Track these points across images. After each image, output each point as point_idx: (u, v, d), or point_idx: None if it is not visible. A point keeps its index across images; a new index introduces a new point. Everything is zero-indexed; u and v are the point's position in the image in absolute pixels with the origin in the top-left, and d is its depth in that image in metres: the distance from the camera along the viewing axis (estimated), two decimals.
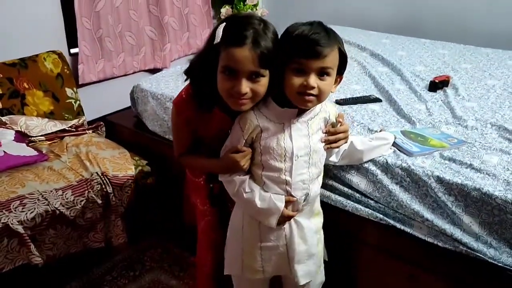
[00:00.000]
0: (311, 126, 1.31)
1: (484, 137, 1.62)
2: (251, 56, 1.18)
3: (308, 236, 1.37)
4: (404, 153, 1.53)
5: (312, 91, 1.20)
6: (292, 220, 1.34)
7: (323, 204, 1.56)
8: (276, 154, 1.28)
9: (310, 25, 1.22)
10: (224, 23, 1.25)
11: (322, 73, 1.20)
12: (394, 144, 1.57)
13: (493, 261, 1.31)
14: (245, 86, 1.21)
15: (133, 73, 2.94)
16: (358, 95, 2.03)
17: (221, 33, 1.22)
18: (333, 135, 1.38)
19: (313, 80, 1.19)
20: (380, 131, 1.64)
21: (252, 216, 1.35)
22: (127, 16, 2.78)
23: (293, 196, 1.31)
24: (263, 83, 1.23)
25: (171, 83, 2.21)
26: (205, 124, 1.41)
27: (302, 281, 1.39)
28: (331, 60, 1.21)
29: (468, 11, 2.90)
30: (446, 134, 1.66)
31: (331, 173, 1.59)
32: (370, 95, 2.03)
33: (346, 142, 1.44)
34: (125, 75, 2.89)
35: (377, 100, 1.99)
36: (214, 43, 1.23)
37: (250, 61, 1.18)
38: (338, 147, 1.41)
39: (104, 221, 1.97)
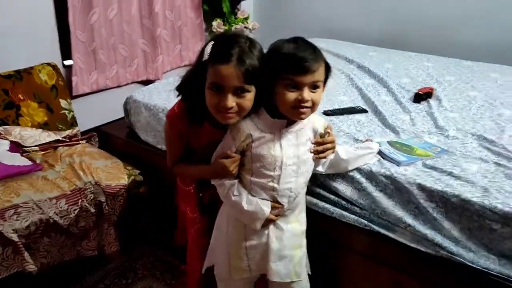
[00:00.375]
0: (299, 137, 1.38)
1: (465, 147, 1.69)
2: (235, 73, 1.25)
3: (284, 237, 1.42)
4: (392, 163, 1.58)
5: (306, 104, 1.27)
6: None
7: (311, 211, 1.62)
8: (267, 163, 1.34)
9: (295, 42, 1.29)
10: (213, 42, 1.32)
11: (314, 86, 1.28)
12: (382, 155, 1.63)
13: (472, 265, 1.37)
14: (231, 101, 1.28)
15: (126, 84, 2.99)
16: (345, 106, 2.10)
17: (209, 51, 1.29)
18: (321, 145, 1.44)
19: (307, 94, 1.26)
20: (366, 141, 1.71)
21: (239, 218, 1.41)
22: (120, 29, 2.84)
23: (279, 203, 1.37)
24: (249, 97, 1.30)
25: (163, 94, 2.27)
26: (196, 137, 1.47)
27: (270, 278, 1.43)
28: (320, 73, 1.29)
29: (453, 25, 2.99)
30: (429, 144, 1.73)
31: (318, 181, 1.64)
32: (357, 106, 2.10)
33: (333, 153, 1.50)
34: (118, 86, 2.94)
35: (363, 111, 2.05)
36: (203, 60, 1.30)
37: (235, 77, 1.25)
38: (325, 157, 1.47)
39: (97, 229, 2.01)
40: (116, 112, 2.58)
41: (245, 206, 1.36)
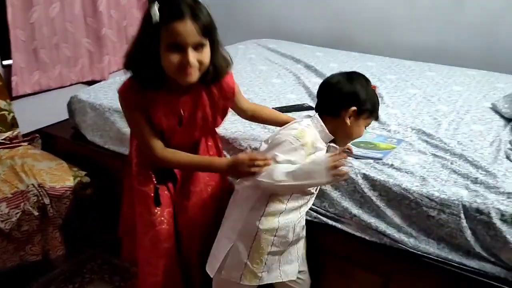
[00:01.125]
0: None
1: (405, 140, 1.77)
2: (193, 28, 1.25)
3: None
4: (374, 160, 1.61)
5: None
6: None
7: None
8: None
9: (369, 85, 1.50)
10: (156, 2, 1.27)
11: None
12: (359, 157, 1.64)
13: (413, 250, 1.45)
14: (193, 57, 1.28)
15: (70, 85, 2.91)
16: (293, 104, 2.14)
17: (157, 12, 1.25)
18: None
19: None
20: None
21: (302, 184, 1.36)
22: (63, 28, 2.76)
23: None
24: (206, 51, 1.32)
25: (110, 93, 2.22)
26: (156, 108, 1.41)
27: (290, 278, 1.48)
28: None
29: (393, 27, 3.13)
30: (383, 137, 1.79)
31: None
32: (304, 104, 2.15)
33: None
34: (62, 87, 2.85)
35: (310, 108, 2.10)
36: (153, 23, 1.26)
37: (194, 32, 1.25)
38: None
39: (41, 233, 1.94)
40: (60, 113, 2.49)
41: (303, 162, 1.35)
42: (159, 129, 1.46)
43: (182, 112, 1.45)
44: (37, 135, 2.40)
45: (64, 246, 2.00)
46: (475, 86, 2.38)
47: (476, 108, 2.09)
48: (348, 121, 1.43)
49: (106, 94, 2.22)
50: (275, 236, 1.39)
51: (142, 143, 1.48)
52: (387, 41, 3.15)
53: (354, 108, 1.42)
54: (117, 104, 2.05)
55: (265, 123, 1.79)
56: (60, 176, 2.03)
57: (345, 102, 1.43)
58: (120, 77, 2.50)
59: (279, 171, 1.34)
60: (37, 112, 2.66)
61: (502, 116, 1.98)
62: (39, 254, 1.94)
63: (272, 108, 2.05)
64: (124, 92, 1.40)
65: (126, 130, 1.99)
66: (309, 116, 1.49)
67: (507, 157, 1.62)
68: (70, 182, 2.03)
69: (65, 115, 2.40)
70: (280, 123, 1.62)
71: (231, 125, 1.85)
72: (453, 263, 1.40)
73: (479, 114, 2.02)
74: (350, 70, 2.54)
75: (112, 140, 2.08)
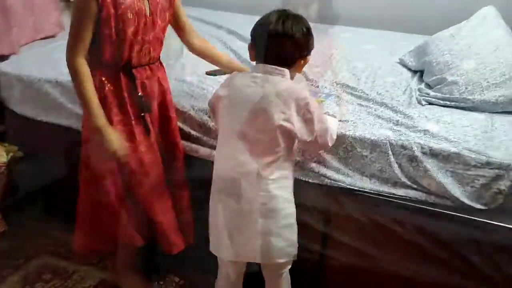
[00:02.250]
0: None
1: (332, 93, 1.97)
2: None
3: None
4: None
5: None
6: None
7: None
8: None
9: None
10: None
11: None
12: None
13: (350, 186, 1.66)
14: None
15: None
16: None
17: None
18: None
19: None
20: None
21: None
22: None
23: None
24: None
25: (36, 64, 2.15)
26: None
27: None
28: None
29: None
30: (312, 92, 1.94)
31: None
32: None
33: None
34: None
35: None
36: None
37: None
38: None
39: None
40: None
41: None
42: (127, 24, 1.48)
43: None
44: None
45: (5, 222, 1.95)
46: (382, 45, 2.64)
47: (386, 63, 2.34)
48: (300, 68, 1.52)
49: (32, 65, 2.14)
50: None
51: (69, 41, 1.47)
52: (301, 6, 3.31)
53: (309, 56, 1.51)
54: (48, 74, 2.03)
55: (210, 60, 1.91)
56: None
57: (302, 52, 1.50)
58: (42, 48, 2.43)
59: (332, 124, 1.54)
60: None
61: (409, 69, 2.26)
62: None
63: (206, 72, 2.14)
64: None
65: (62, 100, 1.97)
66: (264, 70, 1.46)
67: (419, 102, 1.88)
68: (3, 158, 1.97)
69: None
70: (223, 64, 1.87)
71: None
72: (383, 194, 1.64)
73: (390, 68, 2.27)
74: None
75: (47, 111, 2.02)
